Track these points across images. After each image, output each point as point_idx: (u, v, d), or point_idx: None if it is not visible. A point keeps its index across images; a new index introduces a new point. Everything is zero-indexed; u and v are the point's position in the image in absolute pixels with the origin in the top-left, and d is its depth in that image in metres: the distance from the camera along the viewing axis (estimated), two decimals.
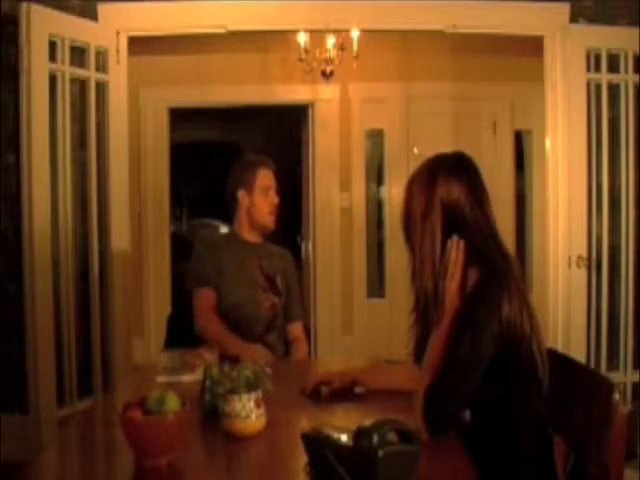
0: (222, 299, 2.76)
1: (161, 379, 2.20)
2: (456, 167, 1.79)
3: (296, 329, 2.93)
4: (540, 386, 1.70)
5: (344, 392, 2.01)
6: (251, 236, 2.87)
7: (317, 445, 1.35)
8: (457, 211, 1.73)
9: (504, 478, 1.68)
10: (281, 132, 8.42)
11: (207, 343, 2.56)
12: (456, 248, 1.70)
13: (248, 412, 1.65)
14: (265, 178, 2.83)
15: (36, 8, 3.26)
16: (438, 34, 3.86)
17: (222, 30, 3.73)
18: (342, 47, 4.75)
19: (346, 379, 2.03)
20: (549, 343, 3.49)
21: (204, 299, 2.75)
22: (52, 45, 3.35)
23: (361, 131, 5.79)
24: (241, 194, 2.83)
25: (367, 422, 1.32)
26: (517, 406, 1.70)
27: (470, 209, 1.74)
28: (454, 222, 1.73)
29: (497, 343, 1.63)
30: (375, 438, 1.27)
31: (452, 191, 1.74)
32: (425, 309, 1.77)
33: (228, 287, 2.77)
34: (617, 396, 1.59)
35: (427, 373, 1.66)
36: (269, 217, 2.84)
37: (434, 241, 1.73)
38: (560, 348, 3.37)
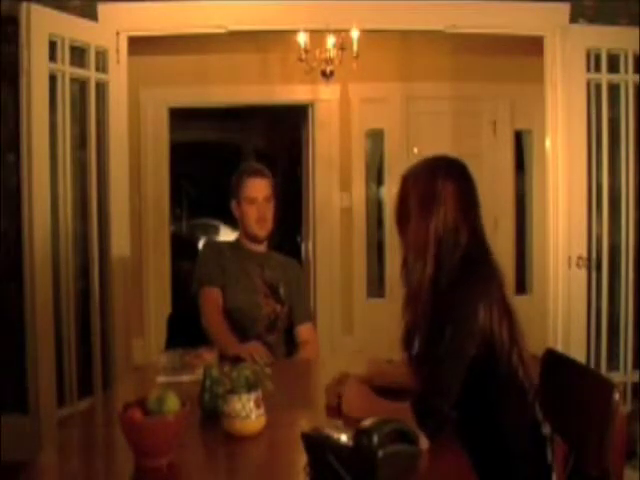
0: (224, 301, 2.77)
1: (161, 379, 2.20)
2: (462, 174, 1.83)
3: (305, 331, 2.91)
4: (523, 390, 1.71)
5: None
6: (253, 245, 2.86)
7: (317, 445, 1.35)
8: (456, 215, 1.78)
9: (498, 479, 1.69)
10: (281, 132, 8.42)
11: (211, 342, 2.56)
12: None
13: (248, 412, 1.65)
14: (251, 188, 2.80)
15: (36, 8, 3.26)
16: (438, 34, 3.86)
17: (222, 30, 3.73)
18: (342, 47, 4.74)
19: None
20: (549, 343, 3.49)
21: (211, 299, 2.75)
22: (52, 45, 3.35)
23: (361, 131, 5.78)
24: (233, 205, 2.85)
25: (367, 422, 1.32)
26: (502, 409, 1.72)
27: (465, 216, 1.79)
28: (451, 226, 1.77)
29: (478, 345, 1.66)
30: (375, 438, 1.27)
31: (455, 197, 1.79)
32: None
33: (230, 290, 2.77)
34: (617, 396, 1.59)
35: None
36: (256, 225, 2.81)
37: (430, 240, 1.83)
38: (560, 348, 3.37)
